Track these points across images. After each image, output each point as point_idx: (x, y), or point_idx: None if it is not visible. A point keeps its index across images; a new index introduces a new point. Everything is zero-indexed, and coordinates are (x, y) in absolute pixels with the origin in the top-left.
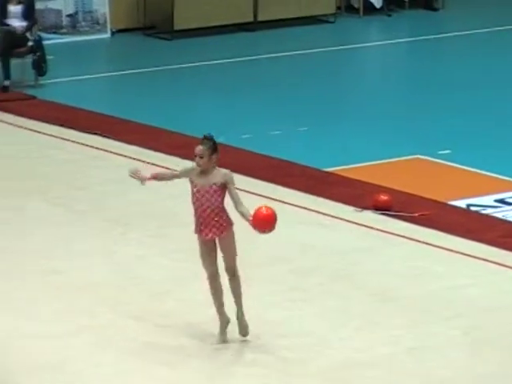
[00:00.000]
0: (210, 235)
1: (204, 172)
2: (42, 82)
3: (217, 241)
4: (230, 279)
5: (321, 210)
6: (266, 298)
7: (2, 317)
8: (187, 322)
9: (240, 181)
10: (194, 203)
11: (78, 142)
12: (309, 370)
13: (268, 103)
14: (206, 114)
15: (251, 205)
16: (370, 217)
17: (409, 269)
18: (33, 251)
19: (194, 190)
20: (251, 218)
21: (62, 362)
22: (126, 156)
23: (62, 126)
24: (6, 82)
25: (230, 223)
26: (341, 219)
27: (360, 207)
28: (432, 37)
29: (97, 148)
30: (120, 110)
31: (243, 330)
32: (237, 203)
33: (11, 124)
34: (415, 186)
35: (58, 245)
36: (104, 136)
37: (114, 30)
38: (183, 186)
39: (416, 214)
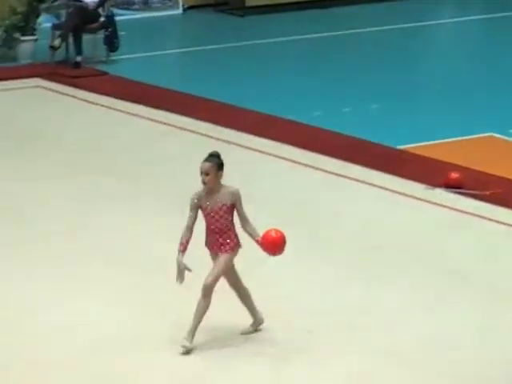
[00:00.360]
0: (214, 250)
1: (211, 191)
2: (113, 57)
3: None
4: (201, 297)
5: (392, 188)
6: (343, 274)
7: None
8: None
9: (311, 159)
10: (206, 222)
11: (148, 118)
12: (392, 346)
13: (339, 80)
14: (277, 90)
15: (323, 182)
16: (441, 195)
17: (480, 247)
18: (113, 226)
19: (204, 212)
20: (258, 239)
21: None
22: (196, 132)
23: (133, 101)
24: (78, 58)
25: (236, 244)
26: (412, 197)
27: (432, 185)
28: (509, 14)
29: (167, 124)
30: (191, 87)
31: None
32: (244, 223)
33: (83, 100)
34: (488, 164)
35: (130, 221)
36: (175, 112)
37: (185, 7)
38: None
39: (488, 192)
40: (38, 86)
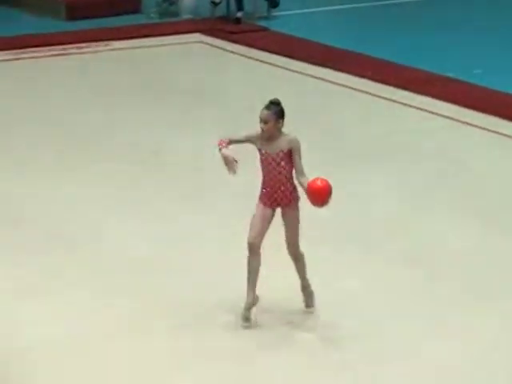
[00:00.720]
0: (270, 203)
1: (270, 138)
2: (274, 13)
3: (280, 213)
4: (293, 260)
5: None
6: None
7: None
8: None
9: (471, 116)
10: (262, 170)
11: (307, 75)
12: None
13: (502, 37)
14: (437, 48)
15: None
16: None
17: None
18: None
19: (262, 157)
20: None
21: None
22: (355, 89)
23: (292, 58)
24: (239, 14)
25: (296, 197)
26: None
27: None
28: None
29: (327, 81)
30: (351, 43)
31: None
32: (299, 173)
33: (243, 55)
34: None
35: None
36: (334, 69)
37: None
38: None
39: None
40: (198, 42)
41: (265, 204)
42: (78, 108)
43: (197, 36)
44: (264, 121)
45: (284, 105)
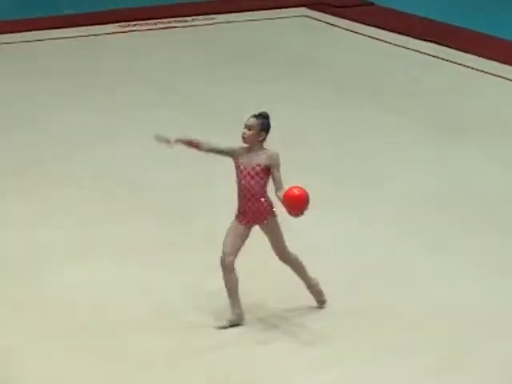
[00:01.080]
0: (245, 221)
1: (249, 150)
2: None
3: (259, 228)
4: (288, 265)
5: None
6: None
7: None
8: None
9: None
10: (237, 185)
11: (413, 49)
12: None
13: None
14: None
15: None
16: None
17: None
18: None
19: (238, 171)
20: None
21: None
22: (460, 64)
23: (398, 33)
24: None
25: (271, 211)
26: None
27: None
28: None
29: (432, 56)
30: (457, 18)
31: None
32: (278, 189)
33: (347, 30)
34: None
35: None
36: (440, 44)
37: None
38: None
39: None
40: (303, 16)
41: (240, 221)
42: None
43: (302, 10)
44: (248, 127)
45: (387, 79)
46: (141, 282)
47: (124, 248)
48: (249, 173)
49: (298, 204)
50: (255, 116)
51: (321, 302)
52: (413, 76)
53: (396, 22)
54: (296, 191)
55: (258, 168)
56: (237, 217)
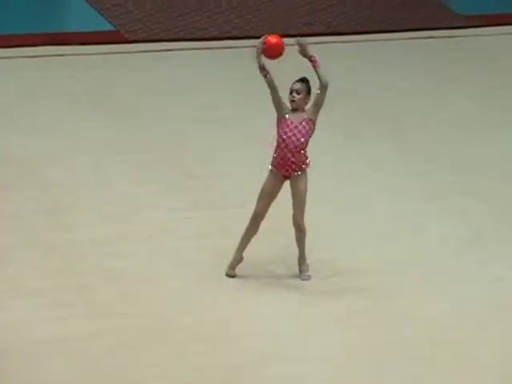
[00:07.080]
0: (281, 174)
1: (295, 110)
2: None
3: (289, 183)
4: (295, 229)
5: None
6: None
7: None
8: None
9: None
10: (279, 137)
11: None
12: None
13: None
14: None
15: None
16: None
17: None
18: None
19: (284, 124)
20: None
21: None
22: None
23: None
24: None
25: (306, 164)
26: None
27: None
28: None
29: None
30: None
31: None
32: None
33: None
34: None
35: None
36: None
37: None
38: None
39: None
40: None
41: (276, 174)
42: None
43: None
44: (297, 91)
45: None
46: None
47: None
48: (296, 126)
49: (277, 48)
50: (300, 80)
51: (305, 278)
52: None
53: None
54: (274, 39)
55: (304, 122)
56: (272, 166)
